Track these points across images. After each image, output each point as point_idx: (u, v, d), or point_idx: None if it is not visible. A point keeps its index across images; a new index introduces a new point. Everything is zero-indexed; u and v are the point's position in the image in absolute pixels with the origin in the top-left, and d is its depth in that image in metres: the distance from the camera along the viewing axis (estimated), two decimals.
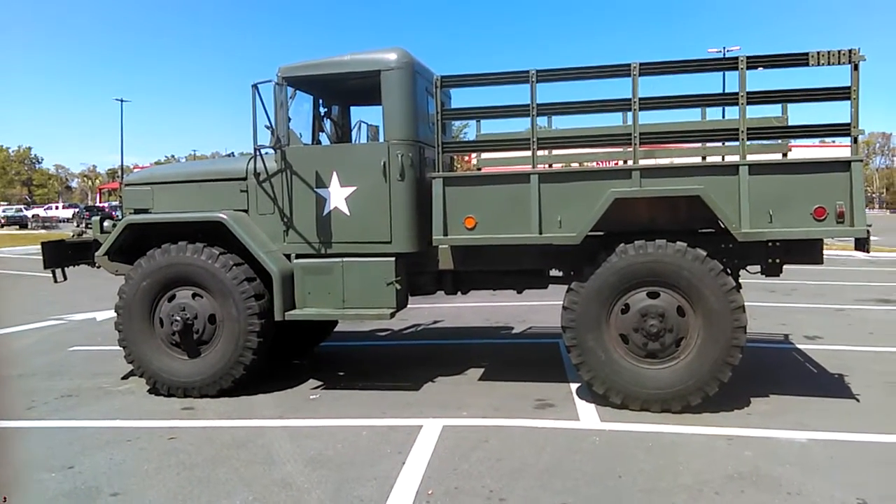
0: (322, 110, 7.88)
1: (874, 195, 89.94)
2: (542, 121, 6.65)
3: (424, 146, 6.87)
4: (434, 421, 5.84)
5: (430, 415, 6.03)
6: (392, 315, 6.59)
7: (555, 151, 7.56)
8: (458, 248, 6.63)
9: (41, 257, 7.59)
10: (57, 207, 66.43)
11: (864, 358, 7.86)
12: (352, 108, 8.37)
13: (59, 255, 7.71)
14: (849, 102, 5.65)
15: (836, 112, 5.93)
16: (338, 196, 6.68)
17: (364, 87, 6.99)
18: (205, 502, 4.43)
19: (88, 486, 4.70)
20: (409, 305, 7.21)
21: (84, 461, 5.14)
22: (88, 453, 5.30)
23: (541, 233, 6.08)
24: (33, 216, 58.62)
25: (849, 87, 5.65)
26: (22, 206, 67.17)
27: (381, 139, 6.88)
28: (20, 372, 7.96)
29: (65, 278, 7.77)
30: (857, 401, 6.27)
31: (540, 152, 6.39)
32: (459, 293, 7.32)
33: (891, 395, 6.45)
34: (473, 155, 9.14)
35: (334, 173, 6.68)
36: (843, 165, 5.66)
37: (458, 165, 9.39)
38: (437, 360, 8.09)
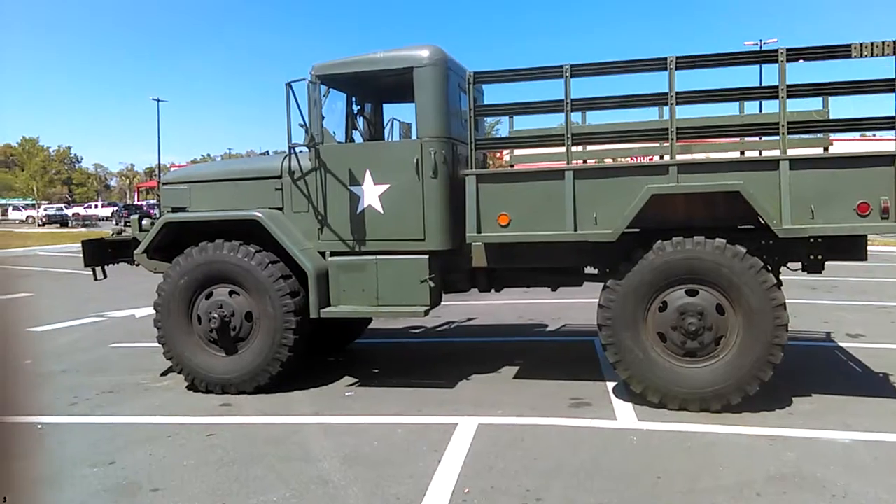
0: (355, 108, 7.90)
1: None
2: (575, 116, 6.59)
3: (457, 143, 6.85)
4: (469, 419, 5.82)
5: (466, 413, 6.01)
6: (426, 312, 6.58)
7: (589, 147, 7.48)
8: (491, 246, 6.60)
9: (82, 255, 7.74)
10: (96, 206, 67.68)
11: None
12: (385, 106, 8.38)
13: (100, 254, 7.85)
14: (892, 95, 5.49)
15: (878, 105, 5.78)
16: (371, 194, 6.69)
17: (397, 84, 6.99)
18: (243, 498, 4.47)
19: (129, 481, 4.78)
20: (442, 303, 7.20)
21: (125, 457, 5.22)
22: (129, 449, 5.39)
23: (576, 230, 6.01)
24: (73, 214, 59.80)
25: (892, 80, 5.49)
26: (62, 205, 68.51)
27: (414, 136, 6.87)
28: (63, 368, 8.13)
29: (105, 276, 7.91)
30: None
31: (574, 148, 6.32)
32: (493, 290, 7.30)
33: None
34: (506, 151, 9.09)
35: (367, 171, 6.69)
36: (887, 159, 5.50)
37: (491, 162, 9.35)
38: (471, 358, 8.07)
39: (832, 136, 6.81)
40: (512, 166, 7.48)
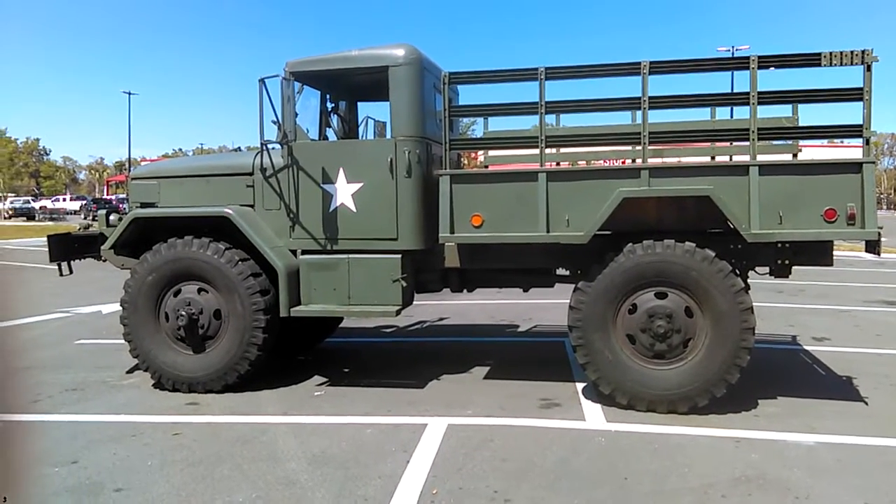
0: (329, 106, 7.84)
1: (882, 196, 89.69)
2: (549, 118, 6.61)
3: (432, 143, 6.83)
4: (439, 419, 5.81)
5: (435, 413, 6.01)
6: (397, 312, 6.56)
7: (562, 150, 7.52)
8: (464, 246, 6.61)
9: (47, 250, 7.58)
10: (64, 199, 66.67)
11: (872, 360, 7.80)
12: (359, 104, 8.34)
13: (66, 249, 7.70)
14: (861, 103, 5.58)
15: (845, 113, 5.88)
16: (344, 192, 6.65)
17: (372, 82, 6.96)
18: (208, 499, 4.42)
19: (92, 481, 4.70)
20: (414, 302, 7.18)
21: (88, 456, 5.13)
22: (93, 448, 5.29)
23: (548, 231, 6.04)
24: (41, 208, 58.92)
25: (861, 88, 5.58)
26: (29, 198, 67.36)
27: (389, 135, 6.85)
28: (26, 365, 7.97)
29: (70, 271, 7.76)
30: (865, 403, 6.22)
31: (548, 150, 6.35)
32: (465, 291, 7.30)
33: None
34: (480, 152, 9.09)
35: (341, 169, 6.65)
36: (854, 167, 5.59)
37: (466, 162, 9.36)
38: (442, 358, 8.07)
39: (801, 142, 6.91)
40: (486, 167, 7.48)
